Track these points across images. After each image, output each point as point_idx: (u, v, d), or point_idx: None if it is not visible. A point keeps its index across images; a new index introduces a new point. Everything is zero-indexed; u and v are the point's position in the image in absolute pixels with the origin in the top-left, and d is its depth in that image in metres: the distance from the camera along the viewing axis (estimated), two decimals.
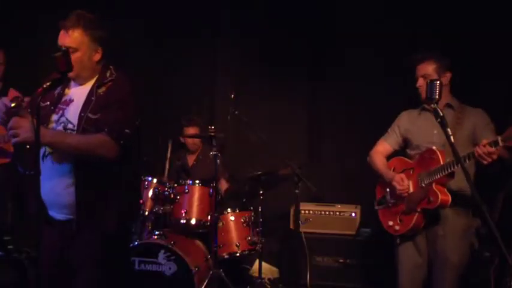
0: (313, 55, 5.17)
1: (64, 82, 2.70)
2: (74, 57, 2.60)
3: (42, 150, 2.61)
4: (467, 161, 3.06)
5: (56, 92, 2.73)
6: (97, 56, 2.69)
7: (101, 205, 2.66)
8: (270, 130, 4.87)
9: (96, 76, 2.71)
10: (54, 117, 2.67)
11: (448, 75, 3.36)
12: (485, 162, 3.00)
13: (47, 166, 2.60)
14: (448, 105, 3.39)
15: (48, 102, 2.71)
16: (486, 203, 2.40)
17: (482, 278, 3.50)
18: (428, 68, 3.35)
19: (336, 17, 5.07)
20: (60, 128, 2.65)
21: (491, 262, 3.46)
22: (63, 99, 2.71)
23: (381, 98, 4.78)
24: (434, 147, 3.28)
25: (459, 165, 2.62)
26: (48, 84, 2.54)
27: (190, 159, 4.96)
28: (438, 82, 2.50)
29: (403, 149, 3.61)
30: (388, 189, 3.52)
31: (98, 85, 2.68)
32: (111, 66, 2.76)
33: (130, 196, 2.84)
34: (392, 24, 4.77)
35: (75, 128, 2.61)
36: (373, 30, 4.86)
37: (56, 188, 2.60)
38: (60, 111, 2.68)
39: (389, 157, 3.63)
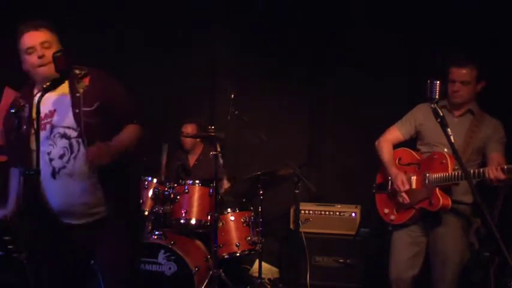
0: (314, 55, 5.17)
1: (63, 82, 2.70)
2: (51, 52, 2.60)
3: (49, 169, 2.59)
4: (476, 178, 3.07)
5: (26, 114, 2.65)
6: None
7: (126, 201, 2.75)
8: (270, 130, 4.86)
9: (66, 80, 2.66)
10: (43, 134, 2.61)
11: (483, 83, 3.36)
12: (491, 184, 3.05)
13: (62, 180, 2.60)
14: (470, 111, 3.41)
15: (25, 126, 2.63)
16: (486, 203, 2.40)
17: (482, 278, 3.50)
18: (472, 74, 3.30)
19: (336, 16, 5.06)
20: (59, 140, 2.61)
21: (491, 262, 3.47)
22: (42, 115, 2.62)
23: (382, 98, 4.78)
24: (445, 153, 3.28)
25: (461, 166, 2.64)
26: (47, 84, 2.54)
27: (191, 160, 4.96)
28: (438, 82, 2.50)
29: (412, 140, 3.60)
30: (390, 177, 3.52)
31: (77, 82, 2.66)
32: (75, 66, 2.71)
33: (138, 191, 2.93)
34: (393, 24, 4.77)
35: (77, 127, 2.61)
36: (373, 30, 4.85)
37: (76, 193, 2.61)
38: (47, 125, 2.63)
39: (397, 145, 3.61)
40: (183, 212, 4.16)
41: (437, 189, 3.24)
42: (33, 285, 3.34)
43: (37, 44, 2.63)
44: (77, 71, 2.69)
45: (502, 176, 3.00)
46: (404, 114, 3.65)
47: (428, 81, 2.54)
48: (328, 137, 5.20)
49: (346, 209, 4.65)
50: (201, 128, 4.81)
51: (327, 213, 4.68)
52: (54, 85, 2.60)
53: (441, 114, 2.46)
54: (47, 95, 2.60)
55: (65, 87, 2.66)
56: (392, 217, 3.48)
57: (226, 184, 4.72)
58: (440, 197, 3.22)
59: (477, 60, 3.35)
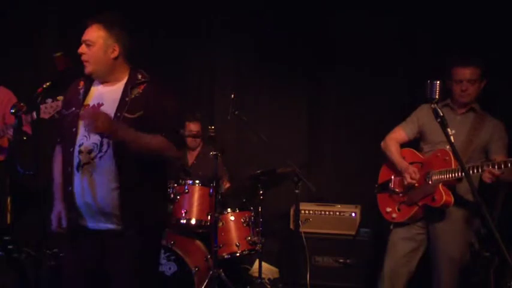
0: (313, 55, 5.16)
1: (63, 82, 2.70)
2: (91, 51, 2.63)
3: (75, 161, 2.57)
4: (475, 172, 3.14)
5: (80, 96, 2.70)
6: (114, 53, 2.67)
7: (148, 210, 2.64)
8: (270, 130, 4.86)
9: (126, 78, 2.70)
10: (83, 123, 2.59)
11: (485, 82, 3.45)
12: (488, 181, 3.12)
13: (83, 175, 2.56)
14: (472, 109, 3.48)
15: (74, 108, 2.67)
16: (486, 203, 2.41)
17: (482, 278, 3.50)
18: (477, 73, 3.39)
19: (335, 16, 5.06)
20: (93, 134, 2.56)
21: (491, 262, 3.48)
22: (90, 104, 2.66)
23: (381, 98, 4.78)
24: (448, 150, 3.32)
25: (461, 164, 2.68)
26: (47, 84, 2.56)
27: (190, 158, 4.95)
28: (438, 82, 2.50)
29: (416, 141, 3.66)
30: (392, 177, 3.59)
31: (132, 86, 2.67)
32: (140, 70, 2.78)
33: (166, 200, 2.82)
34: (392, 25, 4.77)
35: None
36: (373, 30, 4.85)
37: (94, 193, 2.56)
38: None
39: (402, 146, 3.67)
40: (183, 212, 4.15)
41: (440, 185, 3.30)
42: (33, 285, 3.34)
43: (83, 40, 2.65)
44: (139, 76, 2.72)
45: (496, 171, 3.06)
46: (404, 113, 3.72)
47: (428, 81, 2.54)
48: (328, 137, 5.20)
49: (346, 209, 4.65)
50: (203, 127, 4.81)
51: (327, 213, 4.67)
52: (54, 85, 2.61)
53: (441, 114, 2.46)
54: (99, 87, 2.69)
55: (120, 86, 2.68)
56: (394, 215, 3.53)
57: (226, 184, 4.71)
58: (444, 193, 3.27)
59: (480, 59, 3.45)
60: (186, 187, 4.20)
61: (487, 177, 3.11)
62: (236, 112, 4.12)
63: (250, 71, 5.25)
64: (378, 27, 4.82)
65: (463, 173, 3.13)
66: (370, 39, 4.86)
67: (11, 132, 4.14)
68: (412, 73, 4.60)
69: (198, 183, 4.23)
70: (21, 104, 2.60)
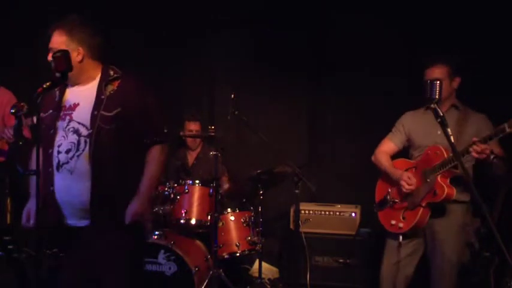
0: (313, 55, 5.17)
1: (64, 82, 2.71)
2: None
3: (55, 161, 2.62)
4: (464, 155, 3.10)
5: (56, 99, 2.73)
6: (79, 57, 2.68)
7: (122, 203, 2.65)
8: (270, 130, 4.86)
9: (98, 76, 2.72)
10: (61, 124, 2.66)
11: (458, 79, 3.42)
12: (476, 155, 3.08)
13: (63, 175, 2.61)
14: (454, 106, 3.46)
15: (51, 110, 2.72)
16: (486, 203, 2.41)
17: (482, 278, 3.50)
18: (442, 72, 3.36)
19: (336, 17, 5.06)
20: (71, 134, 2.63)
21: (491, 262, 3.47)
22: (66, 105, 2.70)
23: (381, 99, 4.78)
24: (437, 144, 3.32)
25: (461, 165, 2.65)
26: (48, 84, 2.56)
27: (191, 158, 4.95)
28: (438, 82, 2.51)
29: (406, 149, 3.64)
30: (389, 189, 3.55)
31: (106, 83, 2.69)
32: (112, 66, 2.78)
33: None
34: (392, 25, 4.76)
35: (89, 128, 2.61)
36: (373, 30, 4.85)
37: (74, 191, 2.59)
38: (67, 117, 2.66)
39: (393, 157, 3.64)
40: (183, 212, 4.16)
41: (439, 177, 3.27)
42: (33, 285, 3.34)
43: (49, 48, 2.69)
44: (111, 72, 2.73)
45: (484, 146, 3.02)
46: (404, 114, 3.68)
47: (429, 81, 2.55)
48: (328, 137, 5.20)
49: (346, 209, 4.65)
50: (203, 126, 4.82)
51: (327, 213, 4.67)
52: (54, 85, 2.61)
53: (441, 114, 2.46)
54: (75, 88, 2.72)
55: (95, 84, 2.70)
56: (401, 225, 3.44)
57: (226, 184, 4.71)
58: (445, 186, 3.24)
59: (450, 57, 3.43)
60: (186, 187, 4.21)
61: (475, 153, 3.06)
62: (236, 112, 4.12)
63: (250, 71, 5.24)
64: (378, 28, 4.82)
65: (456, 157, 3.05)
66: (370, 40, 4.86)
67: (5, 135, 4.13)
68: (412, 73, 4.59)
69: (198, 183, 4.24)
70: (22, 104, 2.59)
